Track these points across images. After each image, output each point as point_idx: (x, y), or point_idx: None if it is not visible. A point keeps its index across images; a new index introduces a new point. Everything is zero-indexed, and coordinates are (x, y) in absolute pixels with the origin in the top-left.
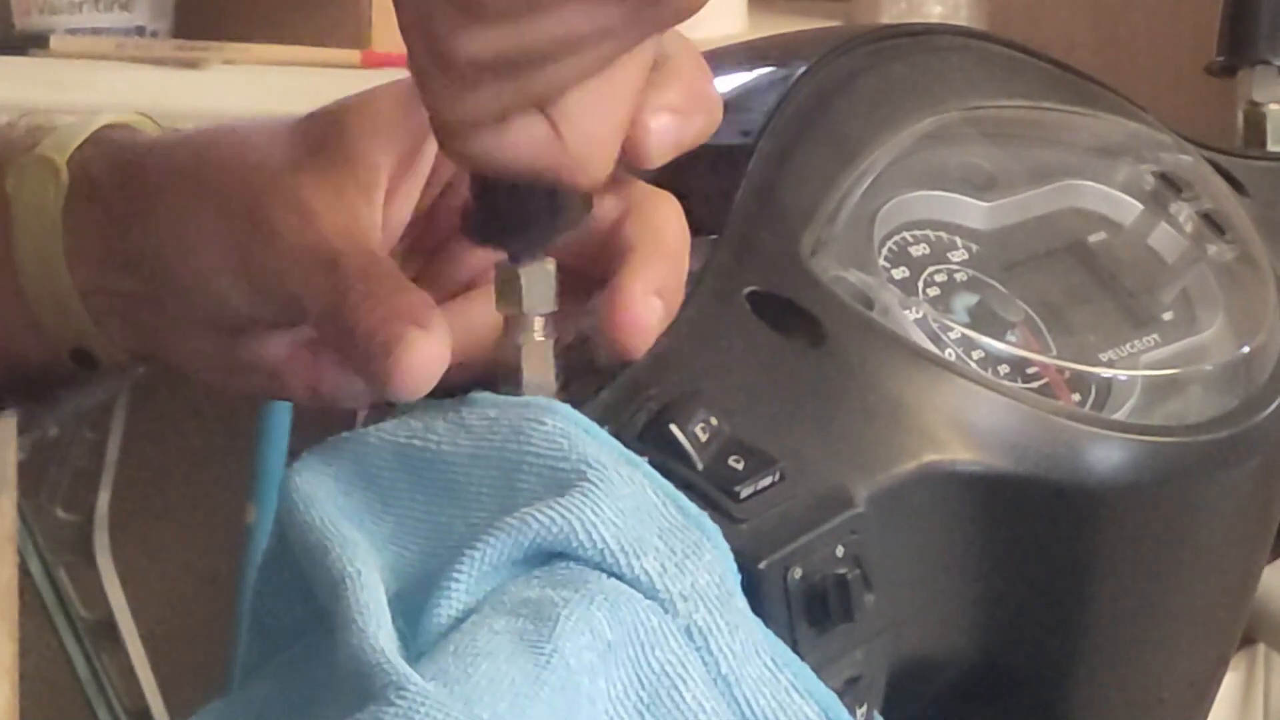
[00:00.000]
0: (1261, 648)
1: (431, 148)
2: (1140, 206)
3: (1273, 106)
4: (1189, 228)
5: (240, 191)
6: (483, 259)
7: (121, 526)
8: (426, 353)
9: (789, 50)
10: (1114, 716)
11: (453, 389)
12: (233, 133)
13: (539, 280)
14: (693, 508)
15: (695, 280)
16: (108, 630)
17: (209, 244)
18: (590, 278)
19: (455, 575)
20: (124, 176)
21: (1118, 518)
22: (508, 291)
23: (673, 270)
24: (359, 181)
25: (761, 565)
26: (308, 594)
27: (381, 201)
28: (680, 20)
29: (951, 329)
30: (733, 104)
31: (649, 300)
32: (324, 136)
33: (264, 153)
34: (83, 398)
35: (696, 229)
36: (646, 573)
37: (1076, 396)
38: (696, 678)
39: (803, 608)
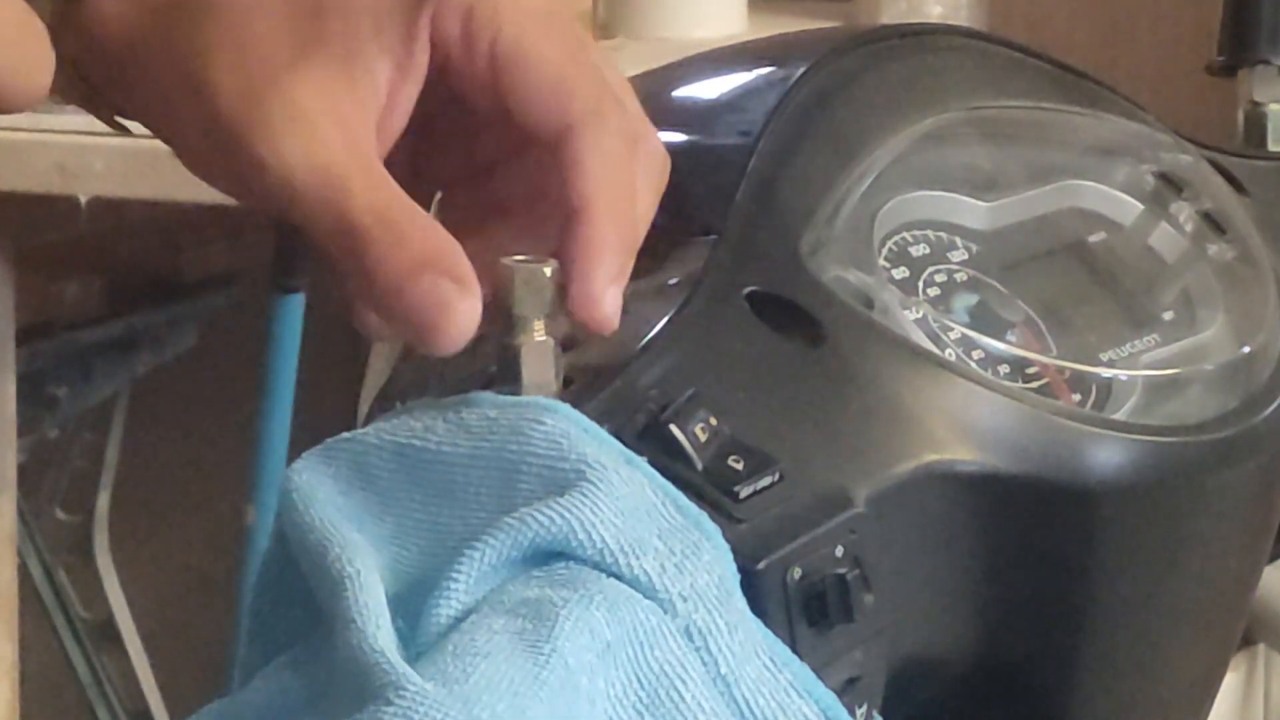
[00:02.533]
0: (1261, 648)
1: (425, 52)
2: (1140, 206)
3: (1273, 106)
4: (1189, 227)
5: (233, 87)
6: (506, 186)
7: (121, 527)
8: (466, 313)
9: (789, 50)
10: (1114, 716)
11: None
12: (228, 11)
13: (532, 284)
14: (692, 508)
15: (695, 280)
16: (108, 630)
17: (195, 136)
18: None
19: (454, 575)
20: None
21: (1118, 518)
22: (507, 290)
23: (628, 231)
24: (359, 87)
25: (761, 565)
26: (307, 595)
27: (378, 112)
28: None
29: (951, 329)
30: (733, 104)
31: (611, 289)
32: (323, 29)
33: (262, 42)
34: (82, 399)
35: (696, 229)
36: (646, 573)
37: (1077, 396)
38: (696, 678)
39: (802, 608)
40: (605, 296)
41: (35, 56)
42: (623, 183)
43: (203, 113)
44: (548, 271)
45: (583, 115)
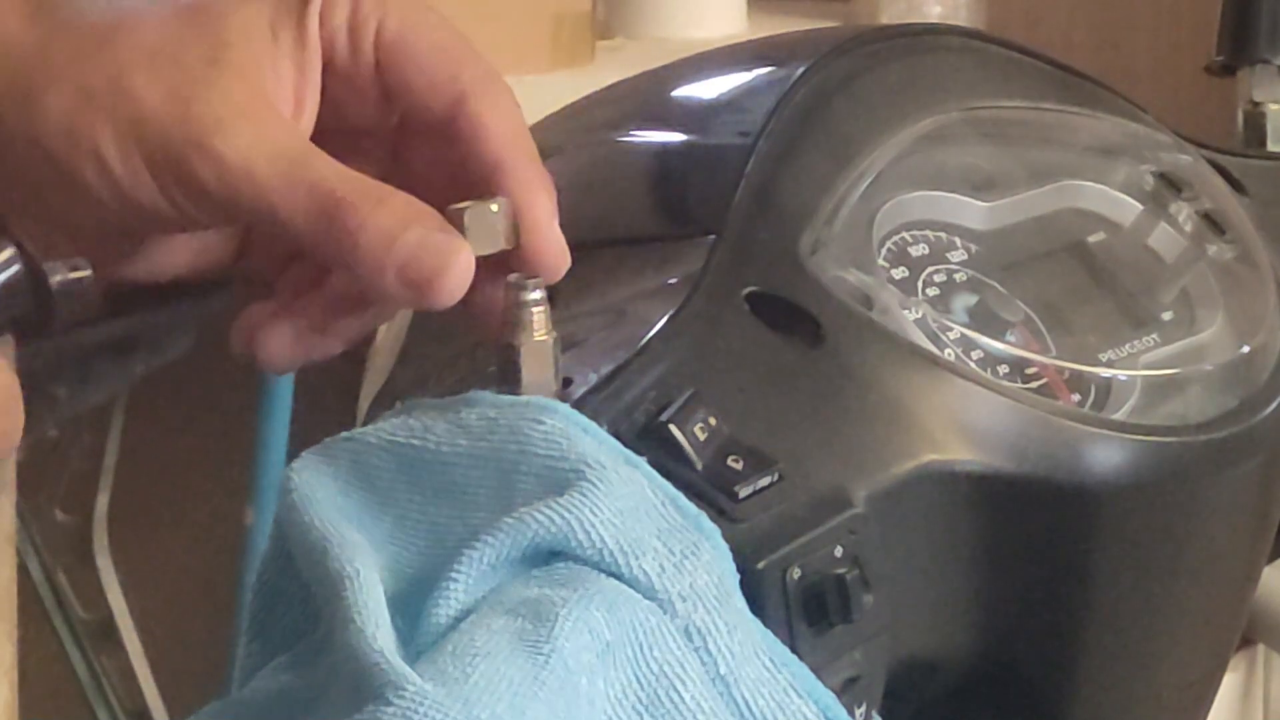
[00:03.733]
0: (1261, 648)
1: (318, 51)
2: (1140, 206)
3: (1272, 106)
4: (1188, 228)
5: (159, 91)
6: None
7: (121, 527)
8: (465, 261)
9: (789, 50)
10: (1114, 716)
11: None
12: (134, 31)
13: (483, 220)
14: (691, 508)
15: (695, 280)
16: (107, 631)
17: (119, 147)
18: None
19: (454, 575)
20: None
21: (1117, 518)
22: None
23: (548, 177)
24: (269, 94)
25: (760, 565)
26: (307, 595)
27: (292, 113)
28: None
29: (951, 329)
30: (732, 104)
31: (555, 225)
32: (223, 40)
33: (176, 53)
34: (82, 399)
35: (696, 229)
36: (645, 573)
37: (1076, 396)
38: (695, 678)
39: (801, 608)
40: (556, 231)
41: (15, 422)
42: (528, 135)
43: (128, 119)
44: (495, 207)
45: (474, 81)
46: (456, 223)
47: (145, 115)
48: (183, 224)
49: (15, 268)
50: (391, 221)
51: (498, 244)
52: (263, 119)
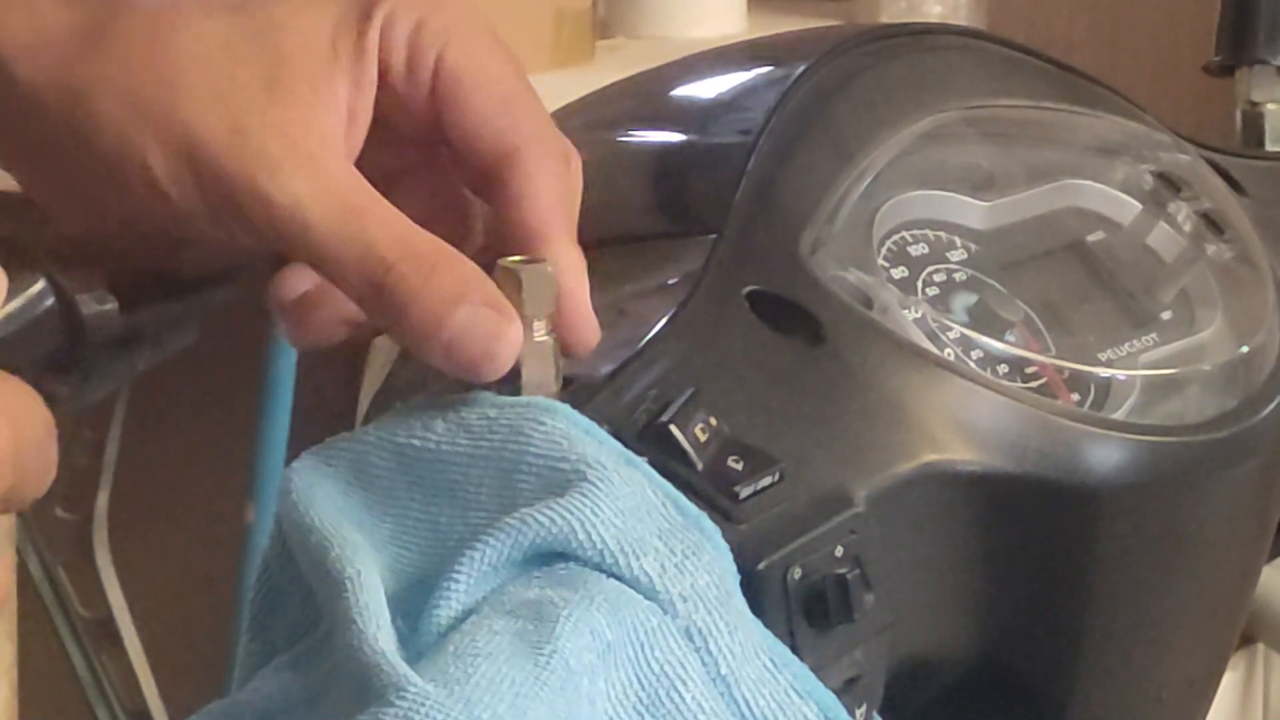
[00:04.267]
0: (1261, 648)
1: (374, 64)
2: (1139, 206)
3: (1271, 106)
4: (1187, 227)
5: (216, 121)
6: (399, 156)
7: (121, 526)
8: (513, 340)
9: (789, 50)
10: (1114, 716)
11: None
12: (188, 39)
13: (540, 283)
14: (692, 508)
15: (695, 280)
16: (107, 630)
17: (167, 169)
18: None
19: (455, 575)
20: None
21: (1117, 517)
22: (508, 294)
23: (581, 253)
24: (330, 111)
25: (761, 565)
26: (307, 594)
27: (344, 131)
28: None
29: (950, 328)
30: (733, 103)
31: (590, 305)
32: (282, 52)
33: (233, 69)
34: (82, 397)
35: (696, 229)
36: (646, 573)
37: (1076, 396)
38: (696, 678)
39: (802, 608)
40: (591, 311)
41: (50, 460)
42: (572, 205)
43: (180, 140)
44: (551, 269)
45: (530, 137)
46: (512, 282)
47: (199, 142)
48: (230, 244)
49: (49, 301)
50: (441, 297)
51: (549, 308)
52: (316, 159)
